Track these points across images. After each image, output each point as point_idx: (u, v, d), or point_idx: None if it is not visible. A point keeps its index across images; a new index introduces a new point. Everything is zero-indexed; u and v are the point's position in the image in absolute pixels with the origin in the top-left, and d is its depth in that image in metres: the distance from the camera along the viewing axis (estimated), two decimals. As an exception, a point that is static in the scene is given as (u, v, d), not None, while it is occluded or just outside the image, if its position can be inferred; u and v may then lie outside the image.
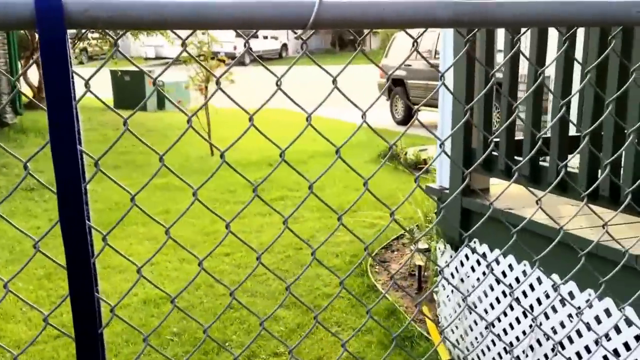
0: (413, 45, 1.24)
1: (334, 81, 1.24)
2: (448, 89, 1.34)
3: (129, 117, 1.17)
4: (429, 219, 5.89)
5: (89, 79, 1.13)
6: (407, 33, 1.25)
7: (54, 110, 1.07)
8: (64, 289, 5.80)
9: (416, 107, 1.33)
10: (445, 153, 1.32)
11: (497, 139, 3.87)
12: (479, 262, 4.13)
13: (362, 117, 1.26)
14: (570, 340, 3.51)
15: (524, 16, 1.25)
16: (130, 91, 16.26)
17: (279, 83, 1.20)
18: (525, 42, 4.38)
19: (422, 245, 5.94)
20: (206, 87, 11.60)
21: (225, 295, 5.73)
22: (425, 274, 5.72)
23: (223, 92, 1.17)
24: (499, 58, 4.00)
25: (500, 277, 3.93)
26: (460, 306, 4.38)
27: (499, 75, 5.49)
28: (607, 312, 3.31)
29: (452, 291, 4.47)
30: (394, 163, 10.26)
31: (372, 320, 5.22)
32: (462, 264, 4.27)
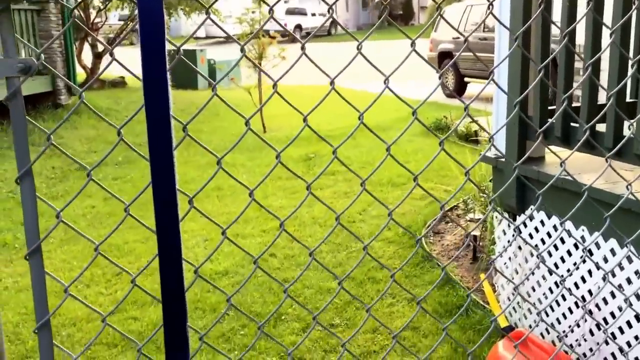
0: (488, 9, 1.27)
1: (412, 43, 1.28)
2: (525, 51, 1.36)
3: (211, 98, 1.22)
4: (483, 188, 5.89)
5: (181, 45, 1.19)
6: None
7: (150, 79, 1.10)
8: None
9: (490, 74, 1.36)
10: (521, 114, 1.35)
11: (553, 107, 3.86)
12: (536, 229, 4.14)
13: (441, 85, 1.30)
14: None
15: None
16: (182, 69, 16.41)
17: (359, 47, 1.25)
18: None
19: (477, 215, 5.96)
20: (260, 64, 11.63)
21: (280, 269, 5.82)
22: (481, 244, 5.73)
23: (308, 58, 1.21)
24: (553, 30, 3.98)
25: (559, 243, 3.95)
26: (517, 272, 4.40)
27: (553, 46, 5.44)
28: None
29: (510, 258, 4.49)
30: (444, 134, 10.21)
31: (427, 290, 5.26)
32: (519, 231, 4.28)
